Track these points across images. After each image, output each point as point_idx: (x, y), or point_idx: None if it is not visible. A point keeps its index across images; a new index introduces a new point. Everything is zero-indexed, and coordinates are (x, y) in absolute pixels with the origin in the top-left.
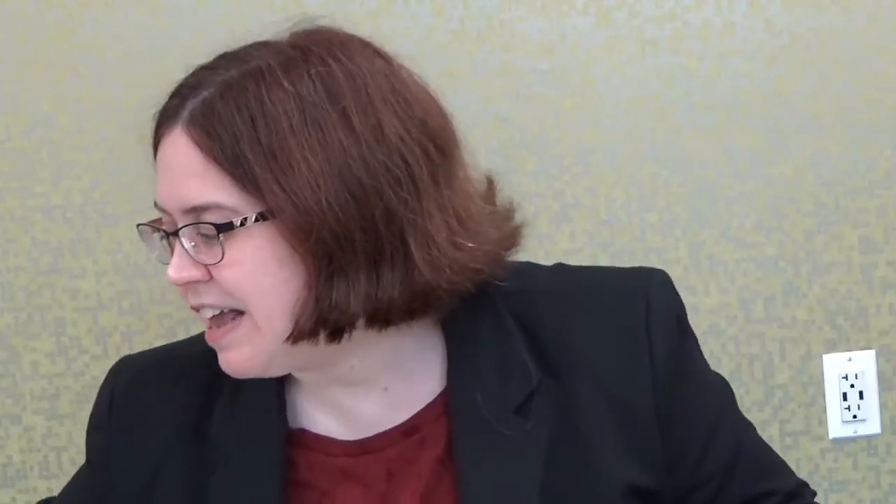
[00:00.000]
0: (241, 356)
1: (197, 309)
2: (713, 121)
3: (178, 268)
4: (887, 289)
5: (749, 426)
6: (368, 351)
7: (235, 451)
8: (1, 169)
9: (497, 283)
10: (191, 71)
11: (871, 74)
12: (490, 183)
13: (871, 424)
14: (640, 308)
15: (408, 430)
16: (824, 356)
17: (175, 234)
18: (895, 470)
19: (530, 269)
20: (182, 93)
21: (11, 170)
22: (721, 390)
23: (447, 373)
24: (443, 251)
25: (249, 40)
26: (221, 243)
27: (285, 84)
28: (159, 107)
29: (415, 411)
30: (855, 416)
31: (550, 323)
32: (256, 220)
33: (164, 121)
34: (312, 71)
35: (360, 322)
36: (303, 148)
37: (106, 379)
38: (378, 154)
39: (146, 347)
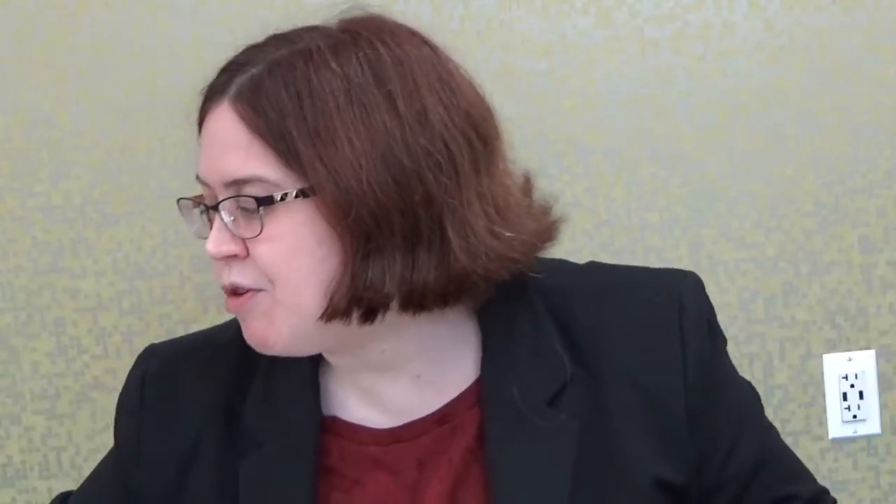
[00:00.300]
0: (260, 327)
1: (228, 290)
2: (713, 121)
3: (217, 241)
4: (887, 289)
5: (772, 430)
6: (401, 336)
7: (268, 437)
8: (1, 169)
9: (533, 276)
10: (239, 50)
11: (871, 74)
12: (528, 179)
13: (871, 424)
14: (674, 308)
15: (440, 418)
16: (824, 356)
17: (215, 207)
18: (895, 470)
19: (564, 265)
20: (230, 69)
21: (11, 170)
22: (748, 394)
23: (481, 362)
24: (480, 238)
25: (249, 39)
26: (261, 217)
27: (333, 65)
28: (207, 83)
29: (447, 400)
30: (855, 416)
31: (584, 318)
32: (297, 196)
33: (211, 96)
34: (360, 54)
35: (394, 305)
36: (347, 128)
37: (134, 365)
38: (421, 139)
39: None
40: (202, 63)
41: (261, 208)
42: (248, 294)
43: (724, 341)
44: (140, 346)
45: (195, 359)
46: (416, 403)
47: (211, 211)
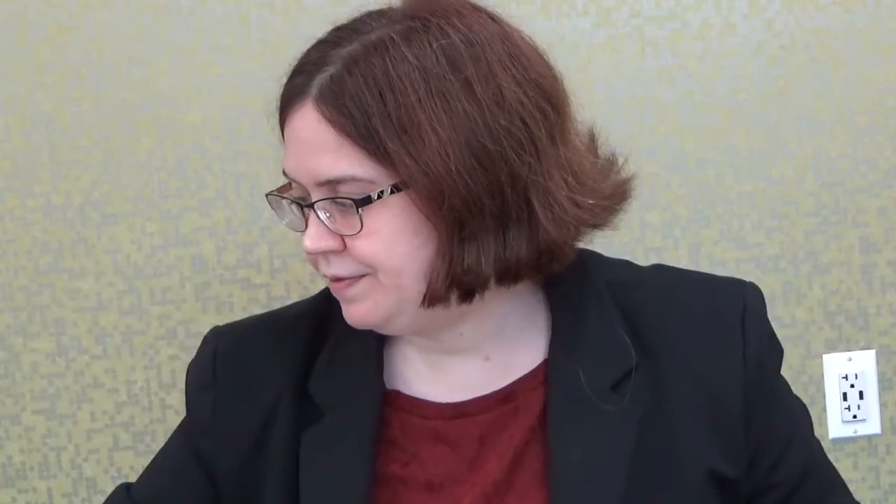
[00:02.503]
0: (363, 309)
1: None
2: (713, 121)
3: (315, 238)
4: (887, 289)
5: (819, 445)
6: (481, 318)
7: (331, 408)
8: (1, 169)
9: (598, 267)
10: (310, 46)
11: (871, 74)
12: (592, 135)
13: (871, 424)
14: (738, 309)
15: (504, 396)
16: (824, 356)
17: (311, 206)
18: (895, 470)
19: (630, 264)
20: (307, 70)
21: (11, 170)
22: (801, 407)
23: (549, 343)
24: (564, 208)
25: (249, 39)
26: (360, 215)
27: (409, 57)
28: (283, 83)
29: (513, 379)
30: (855, 416)
31: (648, 310)
32: (391, 191)
33: (293, 97)
34: (433, 42)
35: (491, 283)
36: (430, 119)
37: (201, 345)
38: (500, 120)
39: (146, 347)
40: (202, 63)
41: (360, 208)
42: (355, 280)
43: (781, 352)
44: (140, 346)
45: (263, 335)
46: (482, 382)
47: (306, 209)
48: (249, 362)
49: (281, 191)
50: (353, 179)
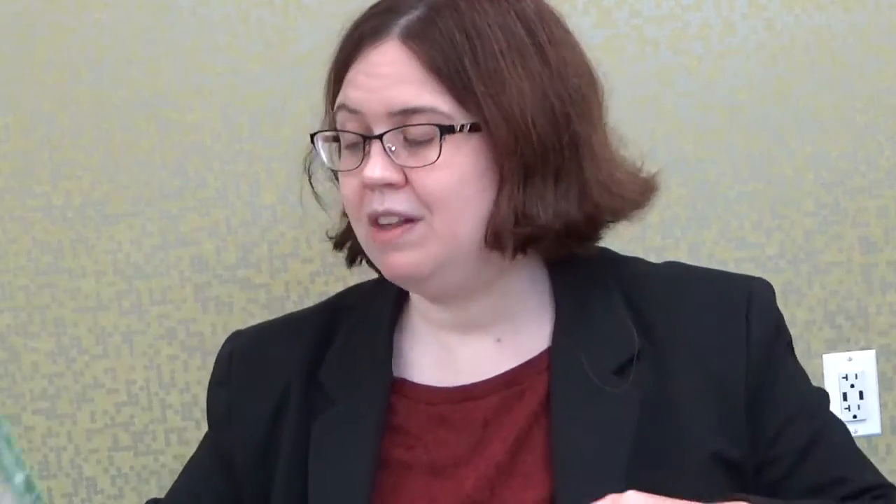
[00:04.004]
0: (411, 258)
1: (374, 219)
2: (713, 121)
3: (382, 167)
4: (887, 289)
5: (841, 426)
6: (501, 292)
7: (341, 396)
8: (1, 169)
9: (609, 260)
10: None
11: (871, 74)
12: (618, 137)
13: (871, 424)
14: (744, 297)
15: (510, 380)
16: (824, 356)
17: (379, 137)
18: (895, 470)
19: (640, 260)
20: (385, 13)
21: (11, 170)
22: (812, 392)
23: (553, 330)
24: (608, 177)
25: (249, 39)
26: (441, 144)
27: (491, 13)
28: (350, 27)
29: (520, 363)
30: (855, 416)
31: (656, 299)
32: (470, 129)
33: (369, 36)
34: (510, 7)
35: (547, 237)
36: (510, 72)
37: (222, 347)
38: (567, 84)
39: (146, 347)
40: (202, 63)
41: (444, 136)
42: (404, 226)
43: (790, 340)
44: (140, 346)
45: (278, 333)
46: (489, 365)
47: (367, 141)
48: (263, 357)
49: (330, 132)
50: (433, 112)
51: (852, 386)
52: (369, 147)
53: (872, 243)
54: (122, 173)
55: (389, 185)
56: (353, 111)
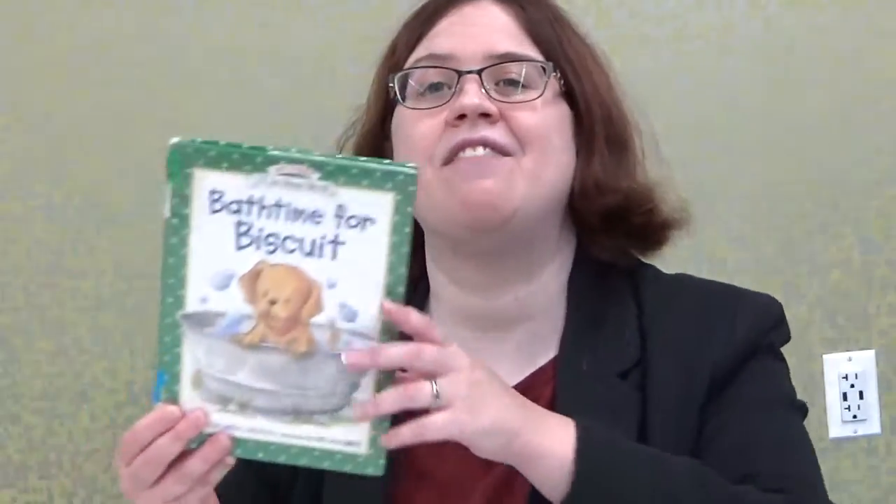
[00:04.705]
0: (499, 186)
1: (457, 150)
2: (713, 121)
3: (481, 97)
4: (887, 289)
5: (803, 443)
6: (540, 285)
7: None
8: (1, 169)
9: (631, 269)
10: None
11: (871, 74)
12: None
13: (871, 424)
14: (734, 305)
15: (522, 391)
16: (824, 356)
17: (478, 72)
18: (895, 470)
19: (658, 270)
20: None
21: (11, 170)
22: (784, 418)
23: (562, 336)
24: (642, 173)
25: (248, 39)
26: (547, 79)
27: (565, 16)
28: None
29: (530, 372)
30: (855, 416)
31: (657, 306)
32: (563, 90)
33: None
34: (575, 24)
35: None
36: (588, 59)
37: None
38: (623, 100)
39: (146, 347)
40: (202, 63)
41: (550, 75)
42: (499, 159)
43: (777, 360)
44: (140, 346)
45: None
46: (506, 375)
47: (461, 78)
48: None
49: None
50: (531, 61)
51: (852, 386)
52: (462, 83)
53: (872, 243)
54: (122, 173)
55: (484, 116)
56: (441, 57)
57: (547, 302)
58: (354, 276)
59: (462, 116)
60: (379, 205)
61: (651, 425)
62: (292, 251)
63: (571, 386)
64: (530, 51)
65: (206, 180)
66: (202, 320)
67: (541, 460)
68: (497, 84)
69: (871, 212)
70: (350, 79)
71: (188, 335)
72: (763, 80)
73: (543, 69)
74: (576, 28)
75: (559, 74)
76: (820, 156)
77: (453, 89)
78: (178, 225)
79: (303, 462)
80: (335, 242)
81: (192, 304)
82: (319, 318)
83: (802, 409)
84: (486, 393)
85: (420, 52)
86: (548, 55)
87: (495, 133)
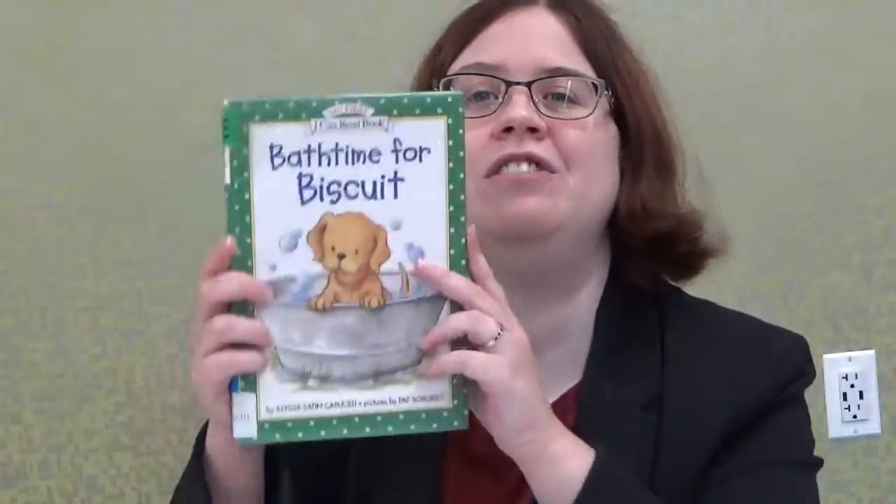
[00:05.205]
0: (544, 204)
1: (501, 164)
2: (713, 121)
3: (529, 110)
4: (887, 289)
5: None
6: (571, 310)
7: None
8: (1, 169)
9: (657, 301)
10: None
11: (871, 74)
12: None
13: (871, 424)
14: (759, 346)
15: None
16: (824, 356)
17: (528, 84)
18: (895, 470)
19: (688, 298)
20: None
21: (11, 170)
22: (789, 475)
23: (586, 363)
24: (684, 197)
25: (248, 40)
26: (599, 98)
27: (615, 28)
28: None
29: (552, 400)
30: (855, 416)
31: (678, 337)
32: (614, 109)
33: (518, 1)
34: (627, 40)
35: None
36: (640, 78)
37: None
38: (671, 118)
39: (146, 347)
40: (202, 63)
41: (601, 93)
42: (541, 172)
43: (798, 409)
44: (140, 346)
45: None
46: None
47: (509, 89)
48: None
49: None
50: (583, 78)
51: (852, 386)
52: (510, 94)
53: (872, 243)
54: (122, 173)
55: (531, 131)
56: (490, 66)
57: (577, 327)
58: (418, 212)
59: (509, 129)
60: (433, 132)
61: (662, 460)
62: (355, 196)
63: (594, 415)
64: (582, 66)
65: (264, 135)
66: (275, 289)
67: (551, 465)
68: (545, 97)
69: (871, 212)
70: (350, 79)
71: (262, 310)
72: (763, 80)
73: (595, 86)
74: (629, 44)
75: (610, 93)
76: (820, 156)
77: (500, 99)
78: (239, 189)
79: (390, 431)
80: (395, 180)
81: (262, 275)
82: (389, 265)
83: (816, 466)
84: (529, 367)
85: (468, 56)
86: (600, 71)
87: (541, 150)
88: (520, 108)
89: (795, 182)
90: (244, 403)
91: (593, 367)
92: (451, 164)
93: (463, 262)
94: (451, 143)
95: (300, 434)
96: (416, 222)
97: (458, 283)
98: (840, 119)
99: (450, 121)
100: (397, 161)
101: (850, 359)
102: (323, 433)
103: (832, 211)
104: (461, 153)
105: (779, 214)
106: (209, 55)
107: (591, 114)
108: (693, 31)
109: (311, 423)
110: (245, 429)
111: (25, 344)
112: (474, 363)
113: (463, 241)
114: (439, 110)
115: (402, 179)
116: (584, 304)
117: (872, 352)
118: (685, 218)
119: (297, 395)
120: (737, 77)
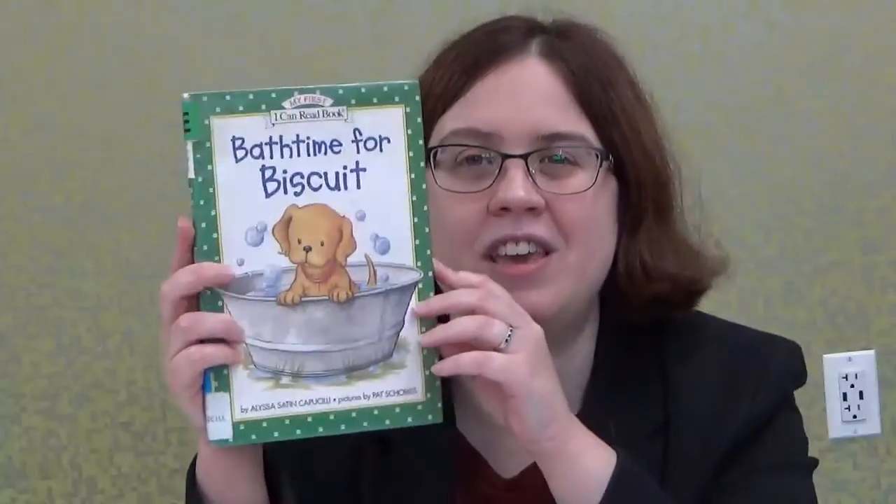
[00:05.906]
0: (548, 296)
1: (497, 245)
2: (713, 121)
3: (527, 189)
4: (887, 289)
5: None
6: (570, 354)
7: (402, 443)
8: (1, 169)
9: (657, 328)
10: (489, 23)
11: (871, 74)
12: None
13: (871, 424)
14: (756, 362)
15: None
16: (824, 356)
17: (524, 157)
18: (895, 470)
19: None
20: (511, 31)
21: (11, 170)
22: (789, 481)
23: (585, 394)
24: (692, 243)
25: (248, 40)
26: (600, 169)
27: (614, 64)
28: (469, 41)
29: None
30: (855, 416)
31: (678, 358)
32: (614, 167)
33: (509, 48)
34: (626, 66)
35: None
36: (639, 122)
37: None
38: (669, 148)
39: (146, 347)
40: (202, 63)
41: (604, 162)
42: (544, 258)
43: (792, 411)
44: (140, 346)
45: None
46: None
47: (505, 161)
48: None
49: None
50: (583, 141)
51: (852, 386)
52: (506, 168)
53: (872, 243)
54: (122, 173)
55: (530, 210)
56: (484, 134)
57: (574, 370)
58: (381, 202)
59: (506, 208)
60: (392, 121)
61: (669, 485)
62: (318, 188)
63: None
64: (580, 125)
65: (226, 128)
66: (243, 286)
67: (571, 461)
68: (542, 161)
69: (871, 212)
70: (350, 79)
71: (231, 306)
72: (763, 80)
73: (595, 153)
74: (624, 72)
75: (610, 156)
76: (820, 156)
77: (495, 173)
78: (203, 183)
79: (364, 426)
80: (357, 170)
81: (230, 270)
82: (356, 257)
83: (812, 466)
84: (546, 361)
85: (458, 116)
86: (598, 126)
87: (540, 229)
88: (516, 185)
89: (796, 182)
90: (218, 404)
91: (595, 403)
92: (410, 154)
93: (428, 252)
94: (409, 132)
95: (276, 434)
96: (381, 213)
97: (462, 303)
98: (840, 119)
99: (408, 109)
100: (358, 151)
101: (850, 359)
102: (298, 432)
103: (832, 211)
104: (420, 141)
105: (779, 214)
106: (209, 55)
107: (591, 186)
108: (693, 31)
109: (287, 421)
110: (220, 430)
111: (25, 344)
112: (494, 364)
113: (427, 230)
114: (396, 98)
115: (363, 170)
116: (581, 348)
117: (872, 352)
118: (684, 277)
119: (270, 393)
120: (737, 77)
